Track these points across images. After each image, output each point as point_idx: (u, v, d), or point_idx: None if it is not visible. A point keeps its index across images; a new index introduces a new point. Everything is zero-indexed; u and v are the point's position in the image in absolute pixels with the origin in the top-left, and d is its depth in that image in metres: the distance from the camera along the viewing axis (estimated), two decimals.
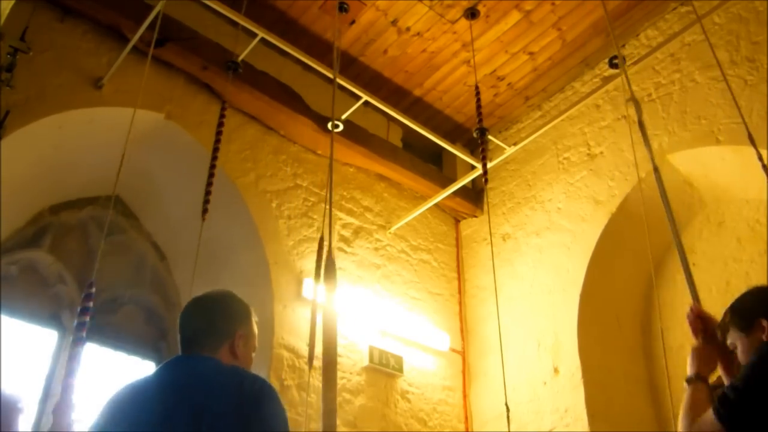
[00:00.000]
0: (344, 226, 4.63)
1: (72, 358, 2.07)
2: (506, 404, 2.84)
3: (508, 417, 2.84)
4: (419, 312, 4.73)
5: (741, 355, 1.81)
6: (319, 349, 1.91)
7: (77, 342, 2.12)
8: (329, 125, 4.51)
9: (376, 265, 4.67)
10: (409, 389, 4.40)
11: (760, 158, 2.33)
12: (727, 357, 1.90)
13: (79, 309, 2.20)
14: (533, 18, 4.46)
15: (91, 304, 2.21)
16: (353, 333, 4.29)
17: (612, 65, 4.03)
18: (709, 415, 1.64)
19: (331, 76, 4.18)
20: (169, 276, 4.35)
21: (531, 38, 4.62)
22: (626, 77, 2.84)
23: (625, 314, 4.36)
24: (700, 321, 2.00)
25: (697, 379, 1.84)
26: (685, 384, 1.86)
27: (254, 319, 1.96)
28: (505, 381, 3.11)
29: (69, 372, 2.02)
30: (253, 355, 1.93)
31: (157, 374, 1.80)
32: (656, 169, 2.35)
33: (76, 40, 3.77)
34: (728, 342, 1.87)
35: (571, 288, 4.29)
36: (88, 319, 2.17)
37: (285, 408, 1.75)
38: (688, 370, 1.89)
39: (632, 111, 4.32)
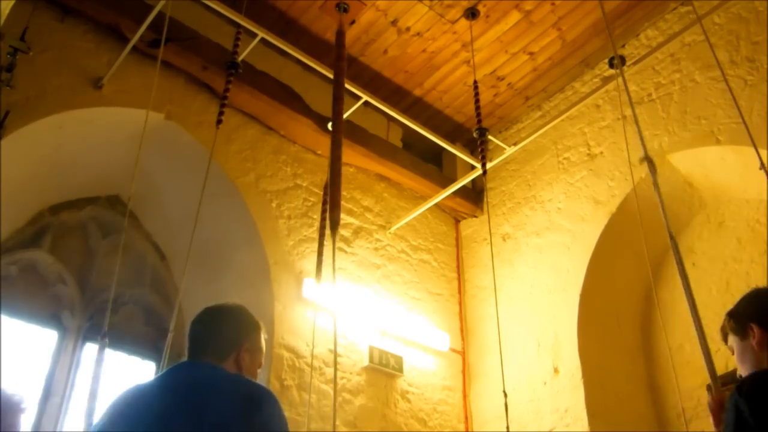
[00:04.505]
0: (344, 226, 4.62)
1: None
2: (504, 391, 2.84)
3: (506, 405, 2.84)
4: (419, 312, 4.73)
5: (736, 359, 1.80)
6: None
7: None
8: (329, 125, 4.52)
9: (376, 265, 4.67)
10: (409, 389, 4.40)
11: (761, 160, 2.31)
12: None
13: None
14: (533, 18, 4.46)
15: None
16: (353, 333, 4.29)
17: (612, 65, 4.03)
18: None
19: (332, 76, 4.19)
20: (169, 276, 4.35)
21: (531, 38, 4.62)
22: None
23: (625, 314, 4.36)
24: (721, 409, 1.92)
25: None
26: None
27: (263, 336, 1.97)
28: (503, 372, 3.11)
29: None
30: (259, 371, 1.94)
31: (160, 378, 1.82)
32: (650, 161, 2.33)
33: (76, 40, 3.77)
34: (728, 345, 1.86)
35: (571, 288, 4.29)
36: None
37: (284, 413, 1.75)
38: None
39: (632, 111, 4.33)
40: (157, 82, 4.01)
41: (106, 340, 2.29)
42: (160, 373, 1.85)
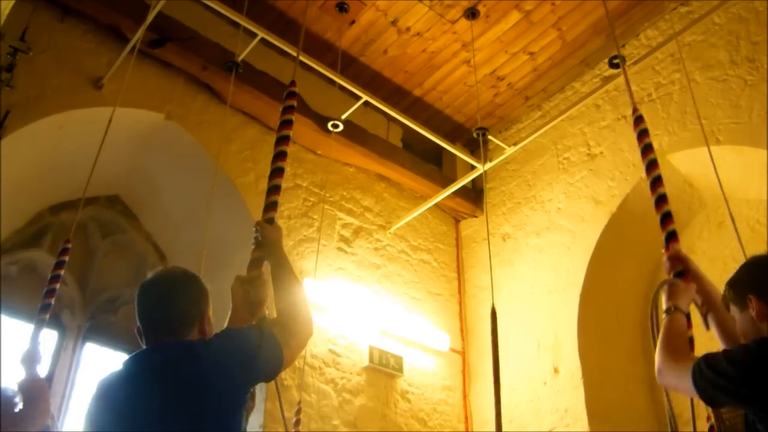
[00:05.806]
0: (344, 226, 4.63)
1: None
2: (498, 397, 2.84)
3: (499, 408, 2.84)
4: (419, 312, 4.73)
5: (738, 330, 1.78)
6: None
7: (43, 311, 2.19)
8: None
9: (376, 265, 4.67)
10: (409, 389, 4.40)
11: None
12: (711, 299, 1.87)
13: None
14: (533, 18, 4.46)
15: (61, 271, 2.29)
16: (353, 333, 4.29)
17: (612, 65, 4.03)
18: (687, 377, 1.58)
19: (332, 76, 4.19)
20: None
21: (531, 38, 4.61)
22: None
23: (625, 314, 4.36)
24: (678, 260, 1.96)
25: (674, 309, 1.78)
26: (663, 315, 1.80)
27: None
28: (498, 378, 3.11)
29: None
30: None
31: (131, 366, 1.75)
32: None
33: (76, 40, 3.78)
34: (731, 314, 1.84)
35: (571, 288, 4.29)
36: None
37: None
38: (664, 304, 1.84)
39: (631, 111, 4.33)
40: (148, 80, 4.01)
41: (46, 316, 2.28)
42: (128, 361, 1.75)
